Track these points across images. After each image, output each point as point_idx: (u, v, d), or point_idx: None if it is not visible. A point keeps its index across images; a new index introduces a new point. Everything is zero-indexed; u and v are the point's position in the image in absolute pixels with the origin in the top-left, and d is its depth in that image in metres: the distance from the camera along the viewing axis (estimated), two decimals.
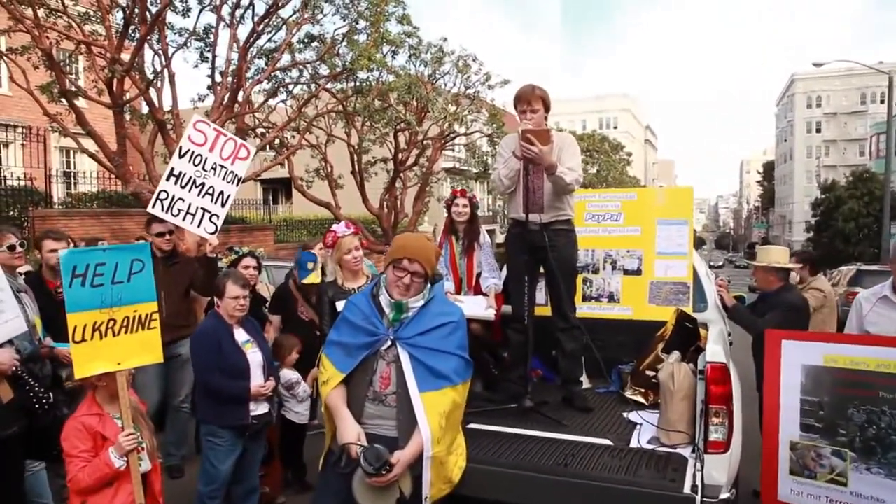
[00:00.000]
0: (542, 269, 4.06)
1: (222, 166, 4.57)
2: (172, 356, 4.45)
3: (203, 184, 4.49)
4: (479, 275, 4.51)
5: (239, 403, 3.54)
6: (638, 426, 3.51)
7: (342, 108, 12.71)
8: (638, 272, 4.61)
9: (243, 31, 11.04)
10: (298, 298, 4.90)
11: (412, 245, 2.77)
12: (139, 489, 2.77)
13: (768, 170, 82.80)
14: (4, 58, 9.95)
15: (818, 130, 66.35)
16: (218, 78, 10.58)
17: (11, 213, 11.82)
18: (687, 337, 3.85)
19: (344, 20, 11.41)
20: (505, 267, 4.59)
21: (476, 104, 15.17)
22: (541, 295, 4.31)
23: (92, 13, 9.91)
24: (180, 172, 4.41)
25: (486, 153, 17.50)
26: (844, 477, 2.92)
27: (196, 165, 4.46)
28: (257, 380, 3.60)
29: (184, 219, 4.45)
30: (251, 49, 10.79)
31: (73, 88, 9.71)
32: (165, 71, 9.94)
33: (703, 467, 2.94)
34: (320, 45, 11.73)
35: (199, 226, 4.52)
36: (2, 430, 3.04)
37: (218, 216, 4.58)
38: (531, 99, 3.75)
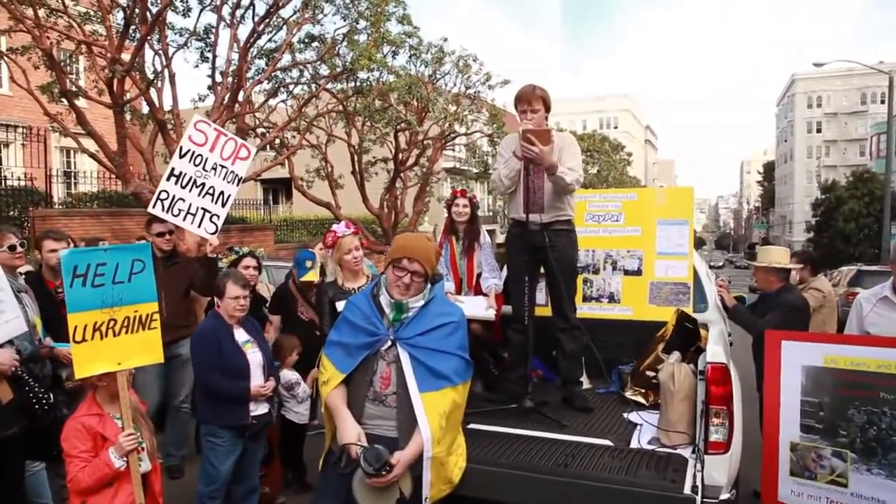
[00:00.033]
0: (542, 270, 4.06)
1: (223, 166, 4.57)
2: (172, 356, 4.45)
3: (203, 184, 4.49)
4: (479, 275, 4.51)
5: (239, 403, 3.54)
6: (638, 427, 3.51)
7: (342, 108, 12.71)
8: (638, 272, 4.61)
9: (244, 31, 11.08)
10: (298, 298, 4.90)
11: (412, 245, 2.77)
12: (139, 489, 2.77)
13: (769, 170, 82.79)
14: (5, 58, 9.95)
15: (818, 130, 66.36)
16: (218, 78, 10.58)
17: (12, 212, 11.83)
18: (687, 337, 3.85)
19: (344, 20, 11.42)
20: (505, 267, 4.59)
21: (476, 104, 15.16)
22: (541, 295, 4.30)
23: (92, 13, 9.91)
24: (181, 172, 4.42)
25: (487, 153, 17.48)
26: (845, 478, 2.92)
27: (196, 165, 4.46)
28: (257, 380, 3.60)
29: (184, 219, 4.45)
30: (251, 49, 10.78)
31: (74, 88, 9.71)
32: (166, 71, 9.93)
33: (703, 468, 2.94)
34: (321, 45, 11.72)
35: (199, 226, 4.52)
36: (2, 430, 3.03)
37: (218, 216, 4.58)
38: (532, 99, 3.75)
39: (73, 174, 17.02)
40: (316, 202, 14.46)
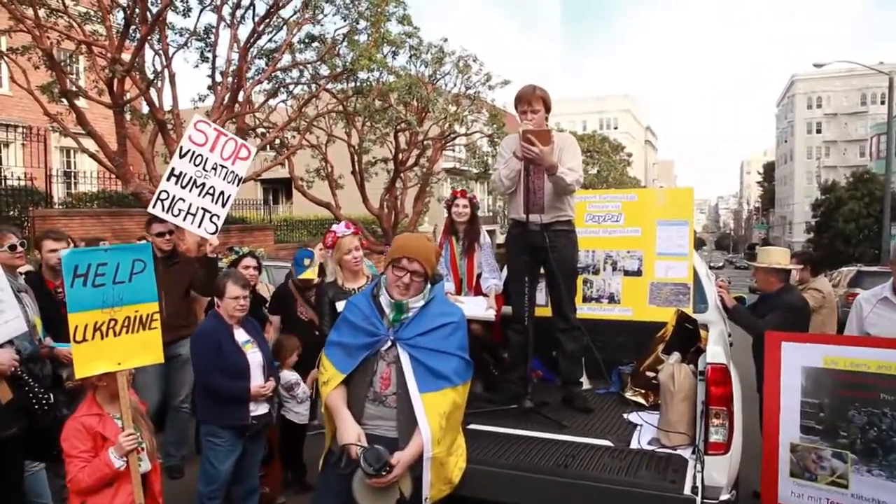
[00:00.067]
0: (542, 270, 4.06)
1: (223, 166, 4.57)
2: (172, 356, 4.45)
3: (203, 184, 4.49)
4: (479, 275, 4.51)
5: (239, 404, 3.53)
6: (638, 427, 3.50)
7: (342, 109, 12.71)
8: (638, 273, 4.61)
9: (244, 32, 11.08)
10: (298, 298, 4.91)
11: (411, 245, 2.77)
12: (139, 489, 2.77)
13: (769, 170, 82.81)
14: (5, 58, 9.95)
15: (818, 131, 66.37)
16: (218, 78, 10.58)
17: (12, 212, 11.83)
18: (687, 338, 3.85)
19: (344, 20, 11.42)
20: (505, 267, 4.59)
21: (476, 104, 15.17)
22: (541, 295, 4.30)
23: (92, 13, 9.92)
24: (181, 172, 4.41)
25: (487, 154, 17.47)
26: (845, 479, 2.92)
27: (197, 165, 4.46)
28: (257, 380, 3.60)
29: (184, 219, 4.45)
30: (252, 49, 10.79)
31: (74, 88, 9.71)
32: (166, 71, 9.94)
33: (703, 468, 2.95)
34: (321, 46, 11.73)
35: (199, 226, 4.52)
36: (1, 430, 3.03)
37: (218, 216, 4.58)
38: (532, 99, 3.75)
39: (73, 174, 17.02)
40: (316, 202, 14.46)
